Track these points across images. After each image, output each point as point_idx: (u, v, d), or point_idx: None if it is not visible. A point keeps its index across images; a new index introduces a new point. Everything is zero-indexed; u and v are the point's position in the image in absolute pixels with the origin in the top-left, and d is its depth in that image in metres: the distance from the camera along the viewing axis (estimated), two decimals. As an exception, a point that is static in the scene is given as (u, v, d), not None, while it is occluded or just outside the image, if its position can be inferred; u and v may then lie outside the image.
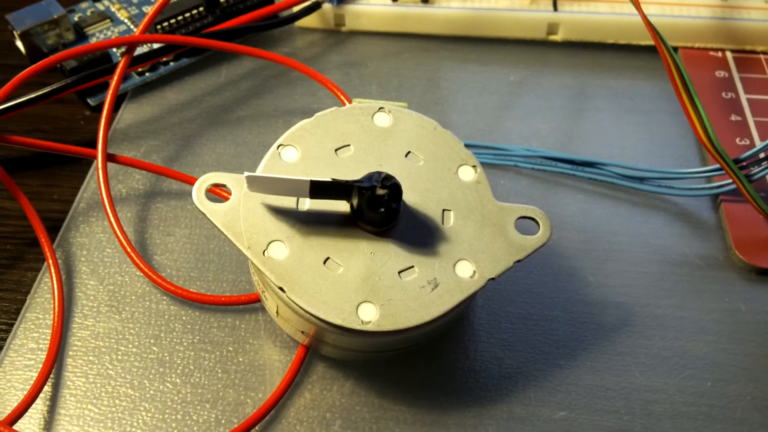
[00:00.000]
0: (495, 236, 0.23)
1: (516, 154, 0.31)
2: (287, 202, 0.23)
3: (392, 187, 0.22)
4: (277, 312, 0.24)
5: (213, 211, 0.23)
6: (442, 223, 0.23)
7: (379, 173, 0.22)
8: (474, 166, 0.24)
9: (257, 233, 0.23)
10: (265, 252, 0.22)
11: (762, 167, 0.28)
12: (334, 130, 0.25)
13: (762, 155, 0.28)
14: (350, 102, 0.29)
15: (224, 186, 0.24)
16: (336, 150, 0.24)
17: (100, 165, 0.28)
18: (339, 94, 0.30)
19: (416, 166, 0.24)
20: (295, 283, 0.22)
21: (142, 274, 0.27)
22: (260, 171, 0.24)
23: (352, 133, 0.25)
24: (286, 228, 0.23)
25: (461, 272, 0.23)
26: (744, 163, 0.28)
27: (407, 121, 0.25)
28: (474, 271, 0.23)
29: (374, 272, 0.22)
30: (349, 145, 0.24)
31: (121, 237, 0.27)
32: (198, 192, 0.23)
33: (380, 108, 0.25)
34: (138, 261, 0.27)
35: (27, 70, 0.28)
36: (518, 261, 0.23)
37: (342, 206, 0.23)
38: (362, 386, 0.25)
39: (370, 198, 0.22)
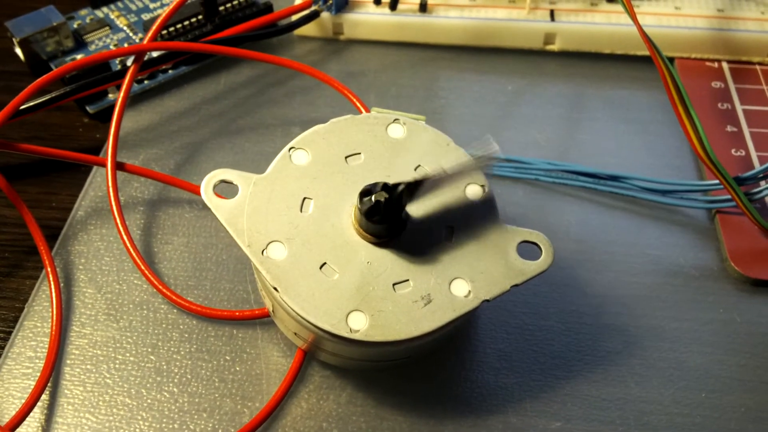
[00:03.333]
0: (495, 258, 0.23)
1: (537, 168, 0.31)
2: (292, 204, 0.23)
3: (393, 198, 0.22)
4: (273, 311, 0.24)
5: (218, 206, 0.23)
6: (443, 240, 0.23)
7: (375, 184, 0.22)
8: (483, 186, 0.24)
9: (258, 232, 0.23)
10: (264, 251, 0.23)
11: (761, 187, 0.28)
12: (347, 137, 0.25)
13: (761, 175, 0.28)
14: (367, 111, 0.29)
15: (232, 183, 0.24)
16: (346, 157, 0.24)
17: (109, 173, 0.28)
18: (356, 101, 0.30)
19: None
20: (290, 285, 0.22)
21: (149, 283, 0.27)
22: (270, 171, 0.24)
23: (365, 142, 0.25)
24: (287, 230, 0.23)
25: (456, 291, 0.23)
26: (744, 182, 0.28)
27: (421, 135, 0.25)
28: (469, 291, 0.22)
29: (369, 282, 0.22)
30: (359, 154, 0.25)
31: (129, 247, 0.27)
32: (206, 186, 0.24)
33: (395, 119, 0.25)
34: (147, 272, 0.27)
35: (37, 81, 0.29)
36: (515, 285, 0.23)
37: (345, 214, 0.23)
38: (359, 396, 0.25)
39: (369, 208, 0.22)
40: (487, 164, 0.24)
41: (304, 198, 0.24)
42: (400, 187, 0.22)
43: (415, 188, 0.22)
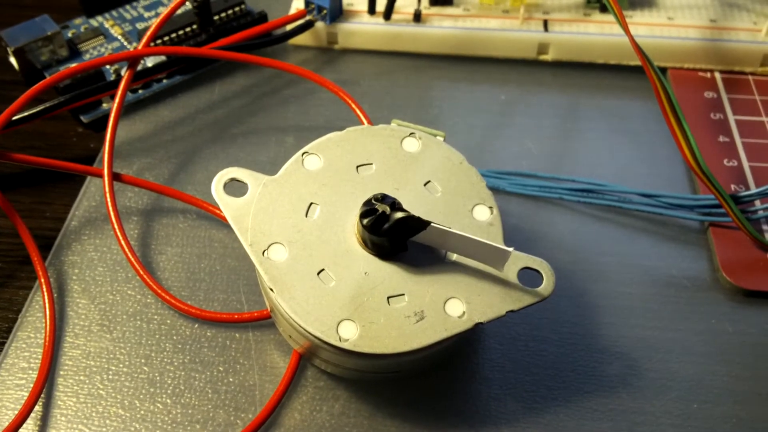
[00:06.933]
0: (494, 281, 0.23)
1: (530, 179, 0.31)
2: (299, 208, 0.24)
3: (397, 219, 0.22)
4: (271, 309, 0.25)
5: (226, 203, 0.24)
6: (444, 258, 0.23)
7: (382, 197, 0.23)
8: (490, 207, 0.24)
9: (262, 232, 0.23)
10: (265, 252, 0.23)
11: (756, 207, 0.28)
12: (361, 146, 0.25)
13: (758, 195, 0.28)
14: (365, 116, 0.29)
15: (242, 182, 0.24)
16: (358, 167, 0.25)
17: (106, 183, 0.29)
18: (356, 108, 0.30)
19: (432, 197, 0.24)
20: (286, 288, 0.22)
21: (143, 293, 0.27)
22: (281, 174, 0.24)
23: (378, 153, 0.25)
24: (290, 233, 0.23)
25: (450, 310, 0.22)
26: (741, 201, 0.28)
27: (435, 151, 0.25)
28: (464, 312, 0.22)
29: (364, 292, 0.23)
30: (371, 164, 0.25)
31: (129, 255, 0.27)
32: (217, 183, 0.24)
33: (411, 133, 0.25)
34: (147, 278, 0.27)
35: (30, 90, 0.29)
36: (512, 311, 0.23)
37: (349, 223, 0.23)
38: (352, 408, 0.25)
39: (373, 223, 0.22)
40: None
41: (311, 203, 0.24)
42: (399, 215, 0.22)
43: (416, 225, 0.22)
